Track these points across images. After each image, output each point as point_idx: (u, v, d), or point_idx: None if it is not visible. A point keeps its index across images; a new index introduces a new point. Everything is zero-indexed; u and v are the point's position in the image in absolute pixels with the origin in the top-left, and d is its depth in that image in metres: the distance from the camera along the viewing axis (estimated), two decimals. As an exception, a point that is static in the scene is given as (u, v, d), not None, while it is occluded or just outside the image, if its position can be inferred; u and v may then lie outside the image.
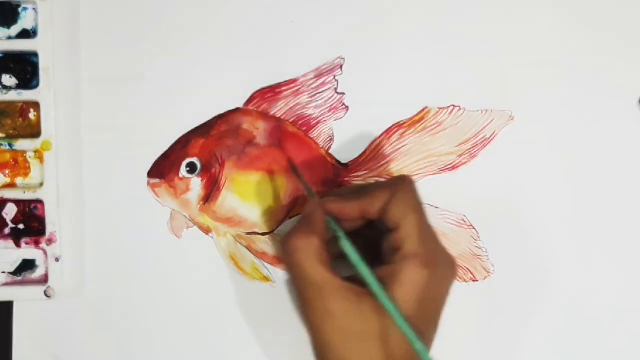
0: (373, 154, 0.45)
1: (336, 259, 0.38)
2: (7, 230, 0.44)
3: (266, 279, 0.45)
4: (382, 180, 0.44)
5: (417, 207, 0.38)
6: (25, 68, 0.43)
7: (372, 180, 0.44)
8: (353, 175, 0.45)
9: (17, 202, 0.44)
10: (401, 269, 0.37)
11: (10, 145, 0.43)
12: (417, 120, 0.44)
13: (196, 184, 0.44)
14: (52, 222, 0.43)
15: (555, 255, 0.45)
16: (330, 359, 0.37)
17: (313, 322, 0.38)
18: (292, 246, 0.38)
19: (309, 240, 0.37)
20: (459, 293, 0.44)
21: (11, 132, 0.44)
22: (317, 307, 0.37)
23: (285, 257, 0.38)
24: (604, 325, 0.45)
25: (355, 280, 0.38)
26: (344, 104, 0.44)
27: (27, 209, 0.44)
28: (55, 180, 0.43)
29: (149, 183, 0.44)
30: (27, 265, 0.44)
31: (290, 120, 0.44)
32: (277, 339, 0.45)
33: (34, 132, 0.44)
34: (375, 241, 0.40)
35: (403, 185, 0.39)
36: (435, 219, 0.44)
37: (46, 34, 0.42)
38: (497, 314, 0.45)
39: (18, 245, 0.44)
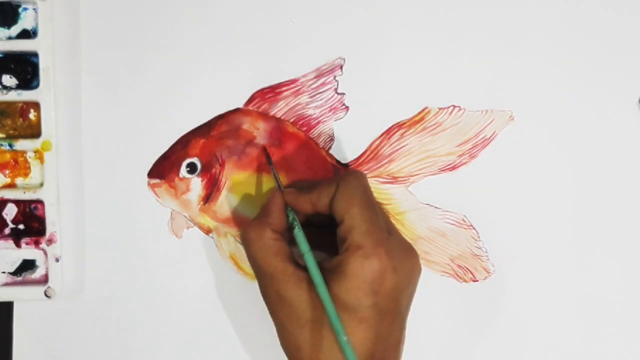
0: (373, 154, 0.45)
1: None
2: (7, 231, 0.44)
3: (266, 279, 0.45)
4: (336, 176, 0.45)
5: (360, 200, 0.38)
6: (25, 68, 0.43)
7: (372, 181, 0.44)
8: (353, 175, 0.45)
9: (17, 202, 0.44)
10: (346, 260, 0.37)
11: (10, 145, 0.43)
12: (417, 121, 0.44)
13: (196, 184, 0.44)
14: (52, 222, 0.43)
15: (556, 255, 0.45)
16: (288, 346, 0.39)
17: (270, 309, 0.39)
18: (246, 238, 0.40)
19: (261, 231, 0.39)
20: (459, 293, 0.44)
21: (11, 132, 0.44)
22: (271, 294, 0.39)
23: (244, 248, 0.40)
24: (605, 326, 0.45)
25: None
26: (344, 104, 0.44)
27: (27, 209, 0.44)
28: (56, 181, 0.43)
29: (149, 183, 0.44)
30: (27, 265, 0.44)
31: (291, 121, 0.44)
32: (277, 339, 0.45)
33: (34, 132, 0.44)
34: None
35: (346, 179, 0.39)
36: (435, 219, 0.44)
37: (46, 34, 0.42)
38: (498, 315, 0.45)
39: (18, 245, 0.44)
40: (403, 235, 0.42)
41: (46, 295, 0.43)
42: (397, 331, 0.39)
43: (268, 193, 0.44)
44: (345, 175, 0.40)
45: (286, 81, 0.44)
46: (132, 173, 0.44)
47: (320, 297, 0.37)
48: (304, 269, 0.39)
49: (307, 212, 0.40)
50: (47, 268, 0.43)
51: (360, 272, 0.37)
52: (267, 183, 0.44)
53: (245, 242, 0.40)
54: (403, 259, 0.38)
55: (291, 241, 0.40)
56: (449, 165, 0.45)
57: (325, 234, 0.41)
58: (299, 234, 0.39)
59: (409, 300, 0.39)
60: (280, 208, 0.40)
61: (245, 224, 0.40)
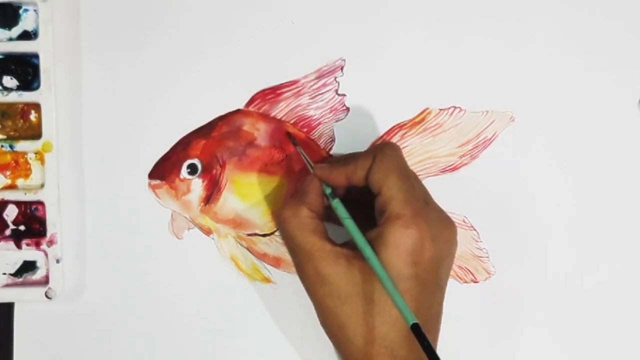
0: (374, 155, 0.45)
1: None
2: (7, 232, 0.44)
3: (267, 280, 0.45)
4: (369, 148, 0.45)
5: (397, 169, 0.38)
6: (26, 69, 0.43)
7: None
8: (354, 176, 0.45)
9: (17, 204, 0.44)
10: (386, 230, 0.37)
11: (11, 146, 0.43)
12: (418, 122, 0.44)
13: (197, 185, 0.44)
14: (53, 224, 0.43)
15: (556, 256, 0.45)
16: (330, 324, 0.38)
17: (309, 288, 0.39)
18: (282, 217, 0.40)
19: (297, 210, 0.39)
20: (459, 294, 0.44)
21: (12, 133, 0.44)
22: (310, 273, 0.38)
23: (278, 228, 0.40)
24: (605, 326, 0.45)
25: (350, 246, 0.39)
26: (344, 105, 0.44)
27: (28, 211, 0.44)
28: (56, 182, 0.43)
29: (149, 184, 0.44)
30: (28, 266, 0.44)
31: (291, 122, 0.44)
32: (278, 340, 0.45)
33: (35, 133, 0.44)
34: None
35: (382, 149, 0.39)
36: (436, 220, 0.44)
37: (47, 35, 0.42)
38: (498, 315, 0.45)
39: (19, 246, 0.44)
40: None
41: (47, 296, 0.43)
42: (438, 303, 0.39)
43: (269, 194, 0.44)
44: (380, 146, 0.40)
45: (287, 82, 0.44)
46: (132, 174, 0.44)
47: (366, 259, 0.37)
48: (341, 245, 0.39)
49: (342, 186, 0.40)
50: (47, 269, 0.43)
51: (401, 242, 0.37)
52: (268, 184, 0.44)
53: (281, 220, 0.40)
54: (441, 229, 0.38)
55: (327, 219, 0.40)
56: (450, 166, 0.45)
57: (361, 209, 0.40)
58: (337, 203, 0.39)
59: (447, 272, 0.39)
60: (316, 187, 0.40)
61: (282, 204, 0.40)
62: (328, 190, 0.40)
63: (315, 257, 0.38)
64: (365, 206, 0.40)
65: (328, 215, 0.41)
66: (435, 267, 0.38)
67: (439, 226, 0.38)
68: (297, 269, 0.40)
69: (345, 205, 0.40)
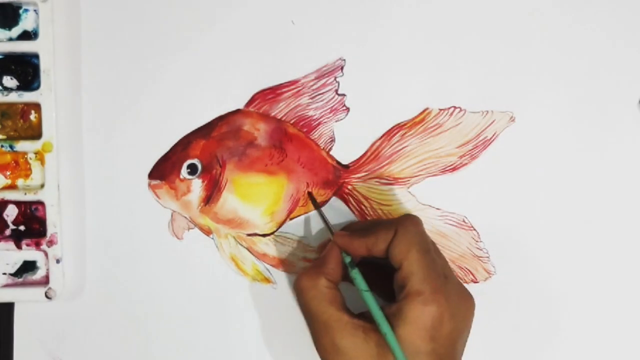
0: (374, 155, 0.45)
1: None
2: (7, 232, 0.44)
3: (267, 280, 0.45)
4: (388, 219, 0.44)
5: (419, 244, 0.38)
6: (26, 69, 0.43)
7: (373, 182, 0.44)
8: (354, 176, 0.45)
9: (18, 204, 0.44)
10: (405, 307, 0.37)
11: (11, 146, 0.43)
12: (417, 122, 0.44)
13: (197, 186, 0.44)
14: (53, 224, 0.43)
15: (556, 256, 0.45)
16: None
17: (324, 358, 0.39)
18: (299, 286, 0.40)
19: (316, 280, 0.39)
20: (459, 294, 0.44)
21: (12, 133, 0.44)
22: (326, 343, 0.38)
23: (296, 296, 0.40)
24: (606, 326, 0.45)
25: (367, 317, 0.38)
26: (344, 105, 0.44)
27: (28, 211, 0.44)
28: (56, 182, 0.43)
29: (149, 184, 0.44)
30: (28, 266, 0.44)
31: (291, 122, 0.44)
32: (278, 340, 0.45)
33: (35, 133, 0.44)
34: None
35: (404, 223, 0.39)
36: (436, 220, 0.44)
37: (47, 35, 0.42)
38: (498, 315, 0.45)
39: (19, 246, 0.44)
40: None
41: (47, 296, 0.43)
42: None
43: (269, 194, 0.44)
44: (401, 220, 0.40)
45: (287, 82, 0.44)
46: (132, 174, 0.44)
47: (383, 334, 0.37)
48: (359, 316, 0.39)
49: (361, 256, 0.40)
50: (47, 269, 0.43)
51: (420, 319, 0.37)
52: (268, 184, 0.44)
53: (299, 290, 0.40)
54: (460, 303, 0.38)
55: (344, 278, 0.40)
56: (450, 166, 0.45)
57: (379, 272, 0.41)
58: (356, 274, 0.39)
59: (464, 345, 0.39)
60: (335, 256, 0.40)
61: (300, 272, 0.40)
62: (347, 259, 0.40)
63: (332, 329, 0.38)
64: (383, 268, 0.40)
65: (346, 274, 0.41)
66: (453, 341, 0.38)
67: (458, 301, 0.38)
68: (313, 338, 0.39)
69: (362, 270, 0.40)
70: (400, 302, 0.38)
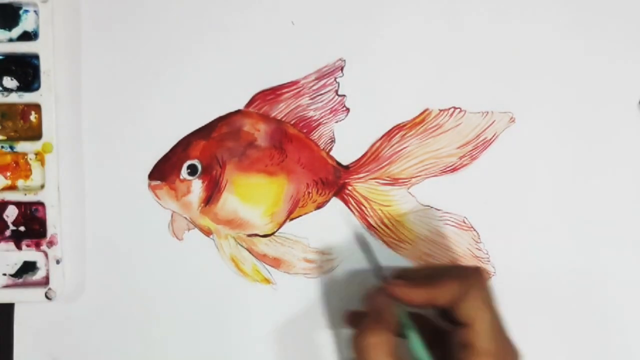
0: (374, 155, 0.45)
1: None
2: (8, 233, 0.44)
3: (267, 280, 0.45)
4: (453, 266, 0.44)
5: (492, 304, 0.38)
6: (26, 70, 0.43)
7: (373, 182, 0.44)
8: (354, 177, 0.45)
9: (18, 205, 0.44)
10: None
11: (11, 147, 0.43)
12: (418, 122, 0.44)
13: (197, 186, 0.44)
14: (53, 224, 0.43)
15: (556, 256, 0.45)
16: None
17: None
18: (367, 343, 0.37)
19: (382, 336, 0.37)
20: (459, 295, 0.44)
21: (12, 134, 0.44)
22: None
23: (358, 353, 0.37)
24: (606, 326, 0.45)
25: None
26: (344, 106, 0.44)
27: (28, 211, 0.44)
28: (56, 183, 0.43)
29: (149, 185, 0.44)
30: (28, 267, 0.44)
31: (291, 122, 0.44)
32: (278, 341, 0.45)
33: (35, 134, 0.44)
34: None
35: (477, 279, 0.38)
36: (436, 220, 0.44)
37: (47, 36, 0.42)
38: (498, 316, 0.45)
39: (19, 247, 0.44)
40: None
41: (47, 297, 0.43)
42: None
43: (269, 195, 0.44)
44: (473, 273, 0.39)
45: (287, 83, 0.44)
46: (132, 175, 0.44)
47: None
48: None
49: (420, 307, 0.39)
50: (47, 270, 0.44)
51: None
52: (269, 185, 0.44)
53: (363, 347, 0.37)
54: (515, 358, 0.38)
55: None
56: (450, 167, 0.45)
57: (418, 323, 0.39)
58: (416, 343, 0.38)
59: None
60: (389, 306, 0.38)
61: (362, 328, 0.37)
62: (405, 319, 0.38)
63: None
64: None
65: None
66: None
67: (513, 356, 0.38)
68: None
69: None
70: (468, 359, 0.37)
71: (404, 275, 0.40)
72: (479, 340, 0.37)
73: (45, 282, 0.44)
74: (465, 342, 0.37)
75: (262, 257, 0.45)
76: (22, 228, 0.44)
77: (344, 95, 0.44)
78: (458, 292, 0.37)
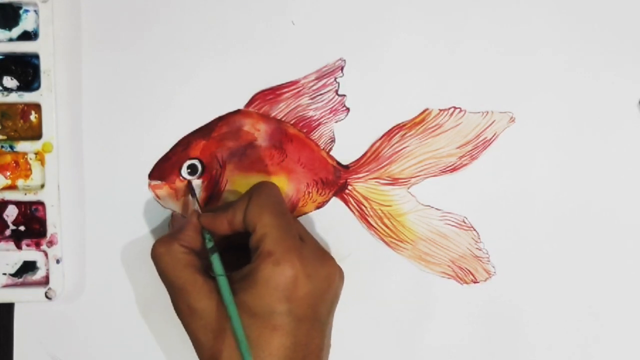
0: (374, 155, 0.45)
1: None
2: (8, 232, 0.44)
3: (267, 280, 0.45)
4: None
5: (272, 208, 0.39)
6: (26, 70, 0.43)
7: (373, 182, 0.44)
8: (354, 176, 0.45)
9: (18, 204, 0.44)
10: (257, 267, 0.37)
11: (11, 147, 0.43)
12: (417, 122, 0.44)
13: (197, 186, 0.44)
14: (53, 224, 0.43)
15: (557, 256, 0.45)
16: (204, 357, 0.39)
17: (183, 322, 0.39)
18: (154, 254, 0.40)
19: (169, 245, 0.39)
20: (460, 295, 0.44)
21: (12, 134, 0.44)
22: (183, 307, 0.39)
23: (154, 266, 0.40)
24: (606, 327, 0.45)
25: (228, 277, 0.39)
26: (344, 106, 0.44)
27: (28, 211, 0.44)
28: (56, 182, 0.43)
29: (149, 185, 0.44)
30: (28, 267, 0.44)
31: (291, 122, 0.44)
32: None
33: (35, 134, 0.44)
34: None
35: (258, 188, 0.40)
36: (436, 220, 0.44)
37: (47, 35, 0.42)
38: (498, 316, 0.45)
39: (19, 247, 0.44)
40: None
41: (47, 296, 0.43)
42: (318, 338, 0.39)
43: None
44: (256, 186, 0.41)
45: (287, 83, 0.44)
46: (133, 174, 0.44)
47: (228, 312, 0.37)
48: (215, 280, 0.39)
49: (225, 233, 0.40)
50: (47, 270, 0.44)
51: (271, 279, 0.37)
52: (268, 185, 0.44)
53: (154, 257, 0.40)
54: (318, 265, 0.38)
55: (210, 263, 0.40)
56: (450, 166, 0.45)
57: (246, 255, 0.40)
58: (215, 259, 0.39)
59: (329, 307, 0.39)
60: (194, 227, 0.40)
61: (155, 242, 0.40)
62: (210, 245, 0.40)
63: (188, 292, 0.38)
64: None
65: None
66: (312, 303, 0.38)
67: (316, 262, 0.38)
68: (173, 303, 0.40)
69: (231, 258, 0.40)
70: (253, 263, 0.38)
71: (212, 209, 0.42)
72: (262, 242, 0.38)
73: (45, 281, 0.44)
74: (253, 248, 0.38)
75: (262, 257, 0.45)
76: (22, 228, 0.44)
77: (344, 95, 0.44)
78: (244, 206, 0.39)
